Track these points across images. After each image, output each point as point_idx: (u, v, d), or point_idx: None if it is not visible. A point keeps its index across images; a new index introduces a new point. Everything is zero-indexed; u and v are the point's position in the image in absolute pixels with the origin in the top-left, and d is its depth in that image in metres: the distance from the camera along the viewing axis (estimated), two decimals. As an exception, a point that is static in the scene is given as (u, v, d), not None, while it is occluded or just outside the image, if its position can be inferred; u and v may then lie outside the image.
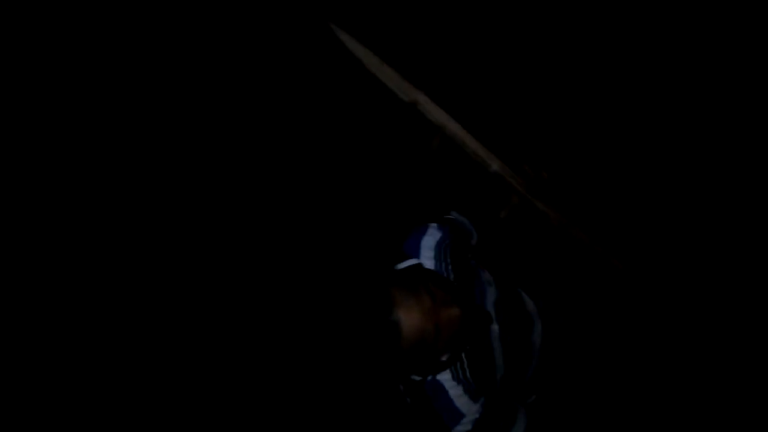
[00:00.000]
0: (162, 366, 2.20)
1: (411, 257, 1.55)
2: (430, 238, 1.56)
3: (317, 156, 2.19)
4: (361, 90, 2.03)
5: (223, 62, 2.17)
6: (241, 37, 2.18)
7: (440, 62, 2.11)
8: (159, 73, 2.19)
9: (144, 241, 2.22)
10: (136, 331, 2.20)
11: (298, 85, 2.17)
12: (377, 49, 1.92)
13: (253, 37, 2.16)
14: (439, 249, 1.55)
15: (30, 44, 2.18)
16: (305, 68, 2.17)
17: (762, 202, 2.08)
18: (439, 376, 1.48)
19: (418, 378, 1.50)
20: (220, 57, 2.18)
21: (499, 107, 2.11)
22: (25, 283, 2.14)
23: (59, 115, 2.19)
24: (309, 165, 2.20)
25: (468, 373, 1.49)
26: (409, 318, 1.32)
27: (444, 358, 1.44)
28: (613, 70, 2.16)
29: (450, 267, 1.54)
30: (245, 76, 2.19)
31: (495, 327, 1.55)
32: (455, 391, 1.48)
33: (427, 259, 1.54)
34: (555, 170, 1.85)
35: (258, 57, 2.16)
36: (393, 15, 2.15)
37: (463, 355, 1.49)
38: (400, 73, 1.92)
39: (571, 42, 2.15)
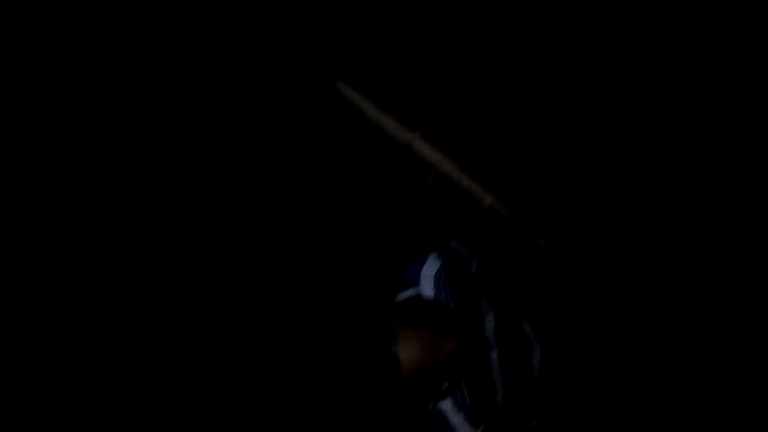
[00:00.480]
0: (161, 367, 2.21)
1: (411, 286, 1.61)
2: (430, 267, 1.62)
3: (319, 193, 2.27)
4: (358, 134, 2.14)
5: (225, 113, 2.28)
6: (244, 88, 2.29)
7: (432, 104, 2.23)
8: (164, 136, 2.28)
9: (143, 247, 2.24)
10: (135, 331, 2.21)
11: (300, 132, 2.28)
12: (372, 95, 2.03)
13: (256, 90, 2.28)
14: (439, 278, 1.61)
15: (30, 44, 2.22)
16: (307, 117, 2.28)
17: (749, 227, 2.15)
18: (440, 404, 1.52)
19: (419, 406, 1.54)
20: (221, 106, 2.28)
21: (489, 145, 2.21)
22: (24, 282, 2.16)
23: (52, 116, 2.22)
24: (312, 201, 2.28)
25: (468, 401, 1.53)
26: (409, 352, 1.38)
27: (444, 387, 1.48)
28: (599, 107, 2.26)
29: (449, 295, 1.60)
30: (248, 124, 2.30)
31: (494, 353, 1.60)
32: (457, 419, 1.52)
33: (427, 287, 1.60)
34: (545, 200, 1.93)
35: (261, 108, 2.27)
36: (385, 62, 2.28)
37: (463, 382, 1.53)
38: (394, 117, 2.03)
39: (555, 81, 2.26)
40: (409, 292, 1.61)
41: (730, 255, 2.17)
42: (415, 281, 1.62)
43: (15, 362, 2.11)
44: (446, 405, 1.53)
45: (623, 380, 1.90)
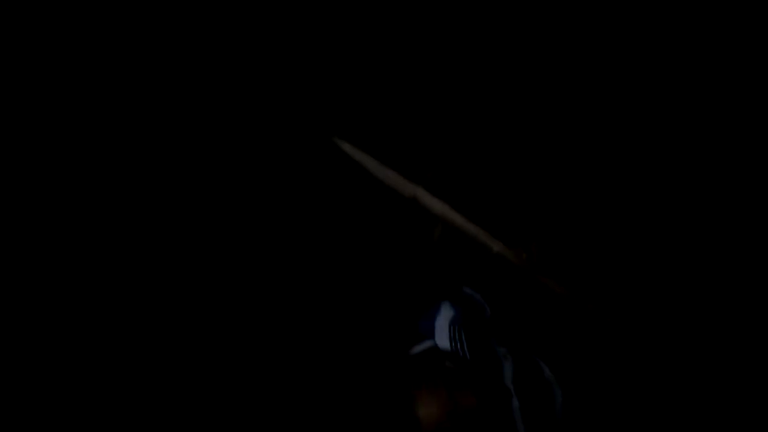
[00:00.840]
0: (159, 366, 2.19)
1: (426, 338, 1.61)
2: (444, 319, 1.63)
3: (329, 253, 2.29)
4: (363, 191, 2.17)
5: (230, 184, 2.32)
6: (246, 158, 2.34)
7: (434, 155, 2.27)
8: (166, 183, 2.31)
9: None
10: (134, 331, 2.20)
11: (305, 193, 2.31)
12: (373, 150, 2.08)
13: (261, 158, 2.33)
14: (454, 328, 1.62)
15: (30, 44, 2.22)
16: (311, 179, 2.32)
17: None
18: None
19: None
20: (224, 180, 2.32)
21: (493, 192, 2.24)
22: (24, 282, 2.17)
23: (47, 116, 2.23)
24: (322, 260, 2.30)
25: None
26: (427, 410, 1.38)
27: None
28: (599, 151, 2.30)
29: (465, 346, 1.60)
30: (254, 192, 2.34)
31: (515, 401, 1.59)
32: None
33: (442, 339, 1.60)
34: (553, 243, 1.95)
35: (266, 174, 2.32)
36: (384, 117, 2.33)
37: None
38: (398, 171, 2.06)
39: (555, 129, 2.31)
40: (424, 345, 1.61)
41: (738, 298, 2.16)
42: (430, 333, 1.62)
43: (14, 362, 2.11)
44: (471, 457, 1.51)
45: (644, 418, 1.88)
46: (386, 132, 2.31)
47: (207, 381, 2.21)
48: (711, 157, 2.26)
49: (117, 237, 2.26)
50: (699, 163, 2.27)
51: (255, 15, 2.37)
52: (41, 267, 2.20)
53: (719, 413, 2.05)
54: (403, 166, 2.06)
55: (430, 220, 2.03)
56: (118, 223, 2.26)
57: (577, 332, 2.00)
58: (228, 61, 2.35)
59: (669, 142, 2.28)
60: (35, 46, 2.25)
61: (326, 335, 2.22)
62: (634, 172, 2.28)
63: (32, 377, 2.12)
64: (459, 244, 2.00)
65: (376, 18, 2.39)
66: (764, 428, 2.01)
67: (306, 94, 2.39)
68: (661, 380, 1.94)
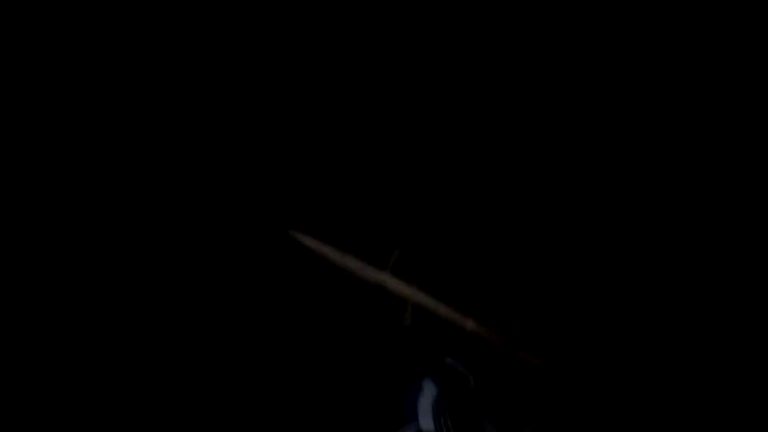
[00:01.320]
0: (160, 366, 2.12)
1: (410, 419, 1.53)
2: (426, 398, 1.56)
3: (303, 351, 2.20)
4: (328, 282, 2.12)
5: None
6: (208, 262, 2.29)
7: (397, 239, 2.25)
8: None
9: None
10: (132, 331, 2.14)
11: (269, 290, 2.25)
12: (333, 240, 2.06)
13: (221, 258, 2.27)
14: (437, 407, 1.54)
15: (30, 44, 2.22)
16: (272, 275, 2.27)
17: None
18: None
19: None
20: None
21: (461, 270, 2.22)
22: (23, 282, 2.14)
23: (44, 117, 2.23)
24: (297, 358, 2.20)
25: None
26: None
27: None
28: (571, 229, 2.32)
29: (450, 422, 1.52)
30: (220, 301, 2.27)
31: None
32: None
33: (425, 419, 1.53)
34: (527, 316, 1.92)
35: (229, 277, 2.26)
36: (342, 205, 2.33)
37: None
38: (360, 258, 2.04)
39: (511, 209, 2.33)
40: (409, 428, 1.53)
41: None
42: (413, 414, 1.54)
43: (13, 362, 2.08)
44: None
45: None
46: (343, 217, 2.29)
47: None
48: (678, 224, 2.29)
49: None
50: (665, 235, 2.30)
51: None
52: (39, 267, 2.17)
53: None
54: (365, 251, 2.04)
55: (399, 304, 1.99)
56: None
57: (558, 403, 1.93)
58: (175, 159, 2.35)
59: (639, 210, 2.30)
60: (35, 46, 2.26)
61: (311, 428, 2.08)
62: (601, 247, 2.29)
63: (32, 377, 2.10)
64: (432, 325, 1.95)
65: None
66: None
67: (251, 194, 2.37)
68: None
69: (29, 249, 2.21)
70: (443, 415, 1.53)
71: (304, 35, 2.35)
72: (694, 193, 2.21)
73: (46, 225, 2.23)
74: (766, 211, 2.12)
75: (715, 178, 2.20)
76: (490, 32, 2.31)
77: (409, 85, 2.33)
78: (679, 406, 2.02)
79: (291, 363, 2.16)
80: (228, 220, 2.32)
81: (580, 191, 2.23)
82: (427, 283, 2.01)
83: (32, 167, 2.25)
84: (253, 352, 2.18)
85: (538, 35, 2.31)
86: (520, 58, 2.30)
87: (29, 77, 2.28)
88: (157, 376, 2.15)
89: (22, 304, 2.18)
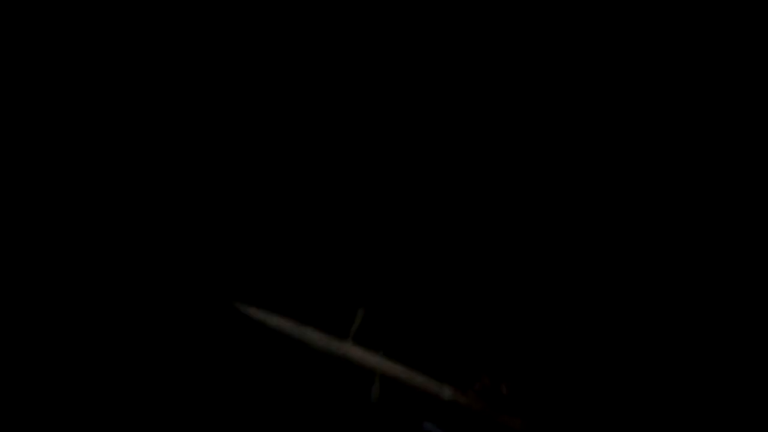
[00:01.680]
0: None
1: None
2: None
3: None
4: (285, 356, 1.93)
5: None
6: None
7: (356, 304, 2.07)
8: None
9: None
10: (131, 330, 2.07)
11: (223, 371, 2.04)
12: (286, 310, 1.87)
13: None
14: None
15: (30, 44, 2.20)
16: (224, 354, 2.06)
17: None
18: None
19: None
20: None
21: (428, 332, 2.06)
22: (23, 282, 2.10)
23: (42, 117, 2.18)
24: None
25: None
26: None
27: None
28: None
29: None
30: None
31: None
32: None
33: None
34: (505, 378, 1.79)
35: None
36: (290, 271, 2.14)
37: None
38: (318, 328, 1.86)
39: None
40: None
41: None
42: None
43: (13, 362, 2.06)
44: None
45: None
46: (294, 285, 2.10)
47: None
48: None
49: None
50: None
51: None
52: (37, 266, 2.12)
53: None
54: (322, 320, 1.86)
55: (366, 376, 1.82)
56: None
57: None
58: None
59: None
60: (35, 46, 2.22)
61: None
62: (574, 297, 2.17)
63: (31, 377, 2.07)
64: (405, 396, 1.79)
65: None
66: None
67: (195, 269, 2.16)
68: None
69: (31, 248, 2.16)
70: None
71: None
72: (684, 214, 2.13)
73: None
74: (765, 211, 2.08)
75: (713, 183, 2.13)
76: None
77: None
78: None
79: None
80: (164, 291, 2.11)
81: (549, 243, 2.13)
82: (394, 350, 1.85)
83: (28, 167, 2.19)
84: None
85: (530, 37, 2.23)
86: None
87: (29, 77, 2.22)
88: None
89: (27, 303, 2.13)
